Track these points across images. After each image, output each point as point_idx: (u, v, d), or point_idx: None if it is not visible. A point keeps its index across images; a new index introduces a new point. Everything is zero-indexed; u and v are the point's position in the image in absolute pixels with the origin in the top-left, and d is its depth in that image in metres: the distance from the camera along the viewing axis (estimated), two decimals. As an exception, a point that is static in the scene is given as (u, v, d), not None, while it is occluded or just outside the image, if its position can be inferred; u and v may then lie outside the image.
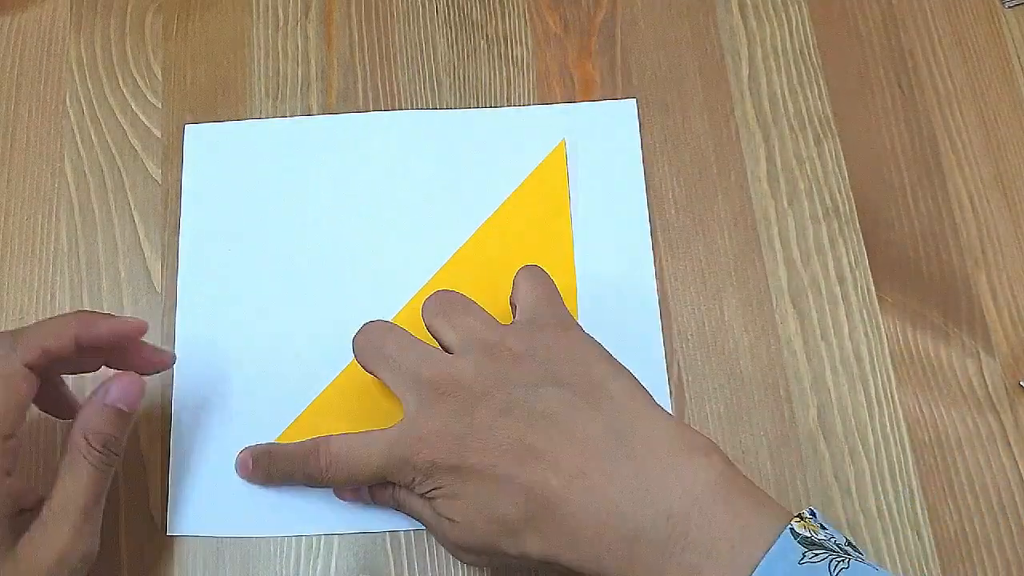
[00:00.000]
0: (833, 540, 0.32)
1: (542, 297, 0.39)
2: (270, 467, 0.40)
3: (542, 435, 0.34)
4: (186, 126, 0.47)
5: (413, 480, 0.36)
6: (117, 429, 0.36)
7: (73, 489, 0.34)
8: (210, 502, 0.41)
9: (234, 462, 0.41)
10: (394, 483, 0.38)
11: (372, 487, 0.39)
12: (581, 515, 0.33)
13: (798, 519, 0.31)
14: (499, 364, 0.36)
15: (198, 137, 0.47)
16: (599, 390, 0.35)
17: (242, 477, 0.41)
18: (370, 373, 0.39)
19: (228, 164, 0.46)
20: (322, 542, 0.40)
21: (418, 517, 0.38)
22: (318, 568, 0.40)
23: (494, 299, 0.42)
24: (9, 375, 0.34)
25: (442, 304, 0.39)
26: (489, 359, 0.36)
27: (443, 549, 0.40)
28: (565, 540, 0.33)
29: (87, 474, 0.35)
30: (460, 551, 0.37)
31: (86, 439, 0.35)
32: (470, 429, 0.35)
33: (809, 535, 0.31)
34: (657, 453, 0.33)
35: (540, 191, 0.46)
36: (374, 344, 0.38)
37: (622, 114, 0.47)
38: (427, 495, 0.36)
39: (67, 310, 0.44)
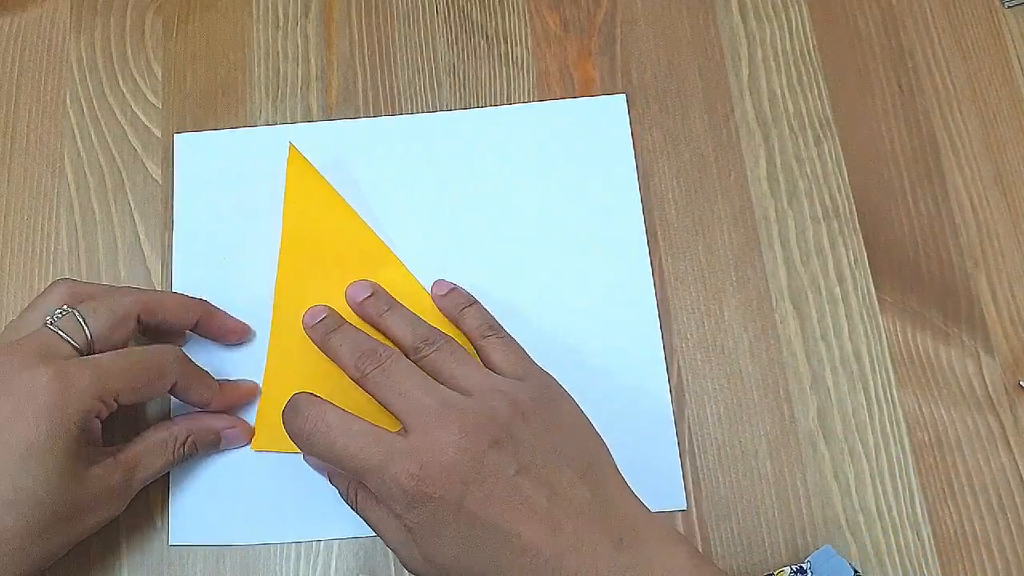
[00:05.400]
0: None
1: (523, 356, 0.40)
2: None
3: (545, 502, 0.33)
4: (175, 136, 0.47)
5: (395, 500, 0.34)
6: (206, 449, 0.41)
7: (147, 460, 0.39)
8: (211, 511, 0.41)
9: (234, 469, 0.41)
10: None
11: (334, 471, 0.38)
12: None
13: None
14: (512, 418, 0.35)
15: (188, 146, 0.47)
16: (593, 469, 0.35)
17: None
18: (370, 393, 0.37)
19: (220, 172, 0.46)
20: (322, 544, 0.40)
21: (380, 531, 0.36)
22: (318, 570, 0.40)
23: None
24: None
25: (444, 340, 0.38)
26: (504, 407, 0.35)
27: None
28: None
29: (164, 459, 0.39)
30: None
31: (189, 435, 0.40)
32: (478, 474, 0.33)
33: None
34: (640, 535, 0.33)
35: None
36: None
37: (612, 109, 0.47)
38: (407, 521, 0.34)
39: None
